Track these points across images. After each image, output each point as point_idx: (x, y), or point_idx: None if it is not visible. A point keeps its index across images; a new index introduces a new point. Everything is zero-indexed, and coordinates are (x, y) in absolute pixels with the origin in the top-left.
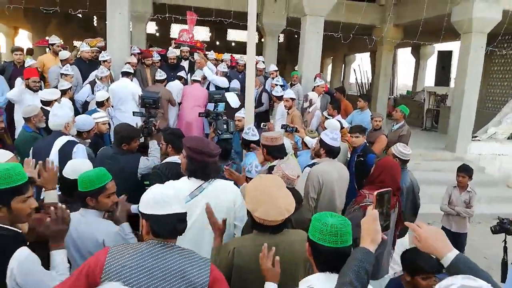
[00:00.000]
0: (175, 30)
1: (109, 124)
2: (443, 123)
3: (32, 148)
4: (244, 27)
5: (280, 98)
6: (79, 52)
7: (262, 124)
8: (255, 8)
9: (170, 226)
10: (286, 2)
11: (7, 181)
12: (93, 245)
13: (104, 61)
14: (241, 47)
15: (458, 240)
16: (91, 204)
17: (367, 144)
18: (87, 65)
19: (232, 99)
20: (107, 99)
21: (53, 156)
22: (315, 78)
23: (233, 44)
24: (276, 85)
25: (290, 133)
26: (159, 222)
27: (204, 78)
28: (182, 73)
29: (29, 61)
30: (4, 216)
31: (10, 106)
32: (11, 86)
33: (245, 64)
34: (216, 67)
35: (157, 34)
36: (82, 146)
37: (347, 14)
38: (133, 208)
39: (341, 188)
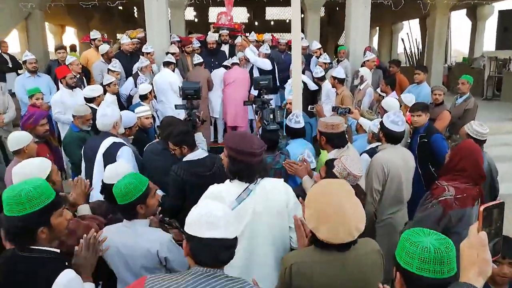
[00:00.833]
0: (213, 14)
1: (153, 117)
2: (508, 90)
3: (82, 150)
4: (283, 3)
5: (321, 79)
6: (120, 45)
7: (309, 107)
8: None
9: (212, 253)
10: None
11: (42, 198)
12: (146, 259)
13: (147, 53)
14: (280, 26)
15: None
16: (141, 211)
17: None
18: (128, 58)
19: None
20: (150, 92)
21: (99, 160)
22: (364, 52)
23: (272, 23)
24: (324, 63)
25: (343, 115)
26: (200, 247)
27: (247, 60)
28: (226, 62)
29: (69, 59)
30: (46, 237)
31: None
32: (58, 83)
33: (287, 43)
34: (257, 48)
35: (196, 20)
36: (128, 148)
37: None
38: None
39: (407, 178)
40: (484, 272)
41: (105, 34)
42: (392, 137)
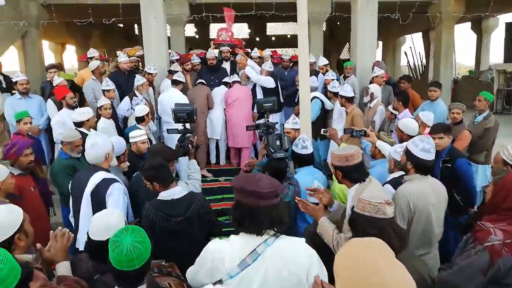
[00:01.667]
0: (215, 30)
1: (150, 140)
2: None
3: (70, 185)
4: (284, 19)
5: (337, 94)
6: (117, 63)
7: (322, 130)
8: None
9: None
10: None
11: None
12: None
13: (149, 73)
14: (282, 41)
15: None
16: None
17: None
18: (126, 77)
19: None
20: (147, 114)
21: (86, 200)
22: (372, 67)
23: (273, 38)
24: (332, 79)
25: (357, 138)
26: None
27: (248, 78)
28: (226, 79)
29: (56, 80)
30: None
31: (49, 127)
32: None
33: (290, 59)
34: (260, 65)
35: (197, 36)
36: (119, 185)
37: None
38: None
39: (439, 213)
40: None
41: (105, 52)
42: (423, 167)
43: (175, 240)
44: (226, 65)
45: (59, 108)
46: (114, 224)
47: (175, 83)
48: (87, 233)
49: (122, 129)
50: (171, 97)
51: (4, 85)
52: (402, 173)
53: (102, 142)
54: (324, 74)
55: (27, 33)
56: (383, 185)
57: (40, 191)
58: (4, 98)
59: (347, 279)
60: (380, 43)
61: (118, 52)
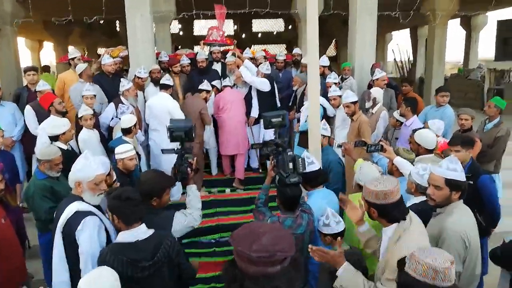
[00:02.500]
0: (199, 27)
1: (138, 154)
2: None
3: (54, 217)
4: (270, 16)
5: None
6: (100, 65)
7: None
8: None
9: None
10: None
11: None
12: None
13: (139, 78)
14: (268, 38)
15: None
16: None
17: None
18: (110, 80)
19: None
20: (135, 125)
21: (57, 241)
22: (372, 69)
23: (259, 35)
24: (334, 83)
25: (371, 152)
26: None
27: (244, 81)
28: (216, 82)
29: (41, 85)
30: None
31: (27, 138)
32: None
33: (285, 60)
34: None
35: (181, 33)
36: (92, 220)
37: None
38: None
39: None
40: None
41: (86, 51)
42: (461, 191)
43: None
44: (217, 66)
45: (39, 115)
46: None
47: (164, 87)
48: None
49: (106, 139)
50: (162, 104)
51: None
52: (424, 198)
53: (76, 167)
54: (324, 76)
55: (1, 31)
56: None
57: (12, 221)
58: None
59: None
60: None
61: (100, 53)
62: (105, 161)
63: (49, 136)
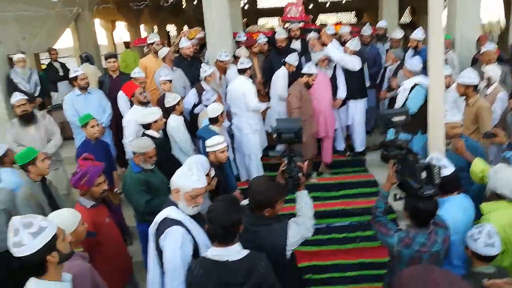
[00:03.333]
0: (262, 0)
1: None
2: None
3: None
4: None
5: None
6: (178, 48)
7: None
8: None
9: None
10: None
11: None
12: None
13: (221, 61)
14: (335, 7)
15: None
16: None
17: None
18: (189, 62)
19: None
20: (222, 113)
21: (151, 244)
22: (478, 42)
23: (327, 4)
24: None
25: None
26: None
27: (329, 61)
28: (291, 58)
29: (136, 72)
30: None
31: (115, 123)
32: (112, 100)
33: (371, 34)
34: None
35: (246, 7)
36: (178, 230)
37: None
38: None
39: None
40: None
41: (154, 28)
42: None
43: None
44: (296, 44)
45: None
46: None
47: (241, 72)
48: None
49: (189, 122)
50: (237, 87)
51: (61, 73)
52: None
53: (178, 173)
54: (414, 49)
55: (80, 15)
56: None
57: (114, 220)
58: (64, 86)
59: None
60: None
61: (170, 26)
62: (205, 165)
63: (141, 125)
